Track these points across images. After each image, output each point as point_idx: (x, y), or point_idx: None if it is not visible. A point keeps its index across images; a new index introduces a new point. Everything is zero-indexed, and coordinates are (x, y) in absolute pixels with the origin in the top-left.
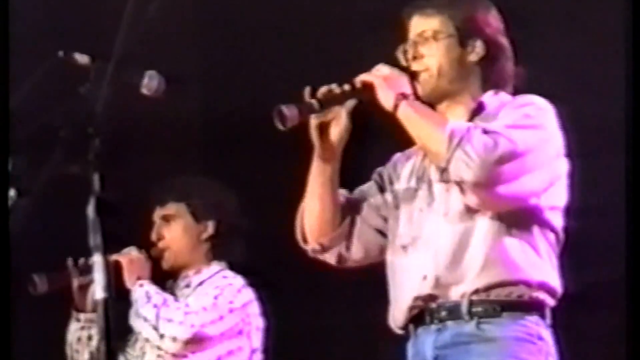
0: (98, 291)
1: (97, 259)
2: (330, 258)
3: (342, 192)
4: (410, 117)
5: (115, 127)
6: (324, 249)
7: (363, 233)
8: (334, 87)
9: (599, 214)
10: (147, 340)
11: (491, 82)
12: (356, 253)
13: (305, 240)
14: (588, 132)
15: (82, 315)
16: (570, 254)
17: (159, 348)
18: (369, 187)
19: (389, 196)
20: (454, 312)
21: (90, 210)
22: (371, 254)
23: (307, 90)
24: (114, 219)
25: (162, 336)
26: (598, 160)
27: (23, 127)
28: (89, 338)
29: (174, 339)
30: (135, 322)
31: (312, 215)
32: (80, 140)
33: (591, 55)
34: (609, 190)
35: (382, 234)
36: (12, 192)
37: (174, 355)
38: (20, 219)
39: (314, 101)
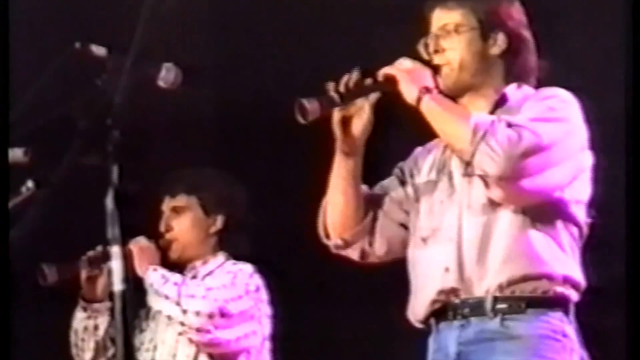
0: (116, 283)
1: (115, 251)
2: (353, 254)
3: (364, 188)
4: (434, 111)
5: (133, 118)
6: (347, 244)
7: (386, 227)
8: (356, 80)
9: (602, 212)
10: (169, 318)
11: (514, 75)
12: (379, 248)
13: (327, 236)
14: (599, 125)
15: (89, 305)
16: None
17: (182, 324)
18: (390, 181)
19: (410, 189)
20: (477, 308)
21: (109, 201)
22: (394, 248)
23: (330, 85)
24: (132, 210)
25: (185, 311)
26: (602, 157)
27: (40, 119)
28: (96, 327)
29: (198, 313)
30: (155, 302)
31: (335, 210)
32: (99, 132)
33: (605, 48)
34: (613, 188)
35: (405, 227)
36: (30, 184)
37: (197, 330)
38: (38, 210)
39: (335, 95)
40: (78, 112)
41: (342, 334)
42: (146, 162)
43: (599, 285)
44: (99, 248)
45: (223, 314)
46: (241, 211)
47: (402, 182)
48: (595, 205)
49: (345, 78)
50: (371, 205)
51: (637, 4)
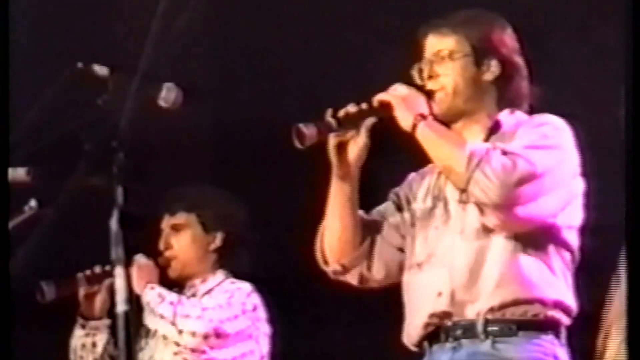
0: (120, 304)
1: (119, 272)
2: (352, 279)
3: (360, 213)
4: (429, 138)
5: (135, 139)
6: (345, 269)
7: (384, 252)
8: (352, 107)
9: (600, 234)
10: (164, 337)
11: (507, 101)
12: (378, 272)
13: (325, 262)
14: (591, 151)
15: (87, 322)
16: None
17: (177, 344)
18: (387, 207)
19: (406, 215)
20: (469, 330)
21: (113, 223)
22: (392, 272)
23: (329, 112)
24: (133, 229)
25: (180, 332)
26: (601, 179)
27: (43, 138)
28: (94, 345)
29: (193, 334)
30: (151, 322)
31: (333, 235)
32: (104, 154)
33: (597, 74)
34: (610, 209)
35: (403, 251)
36: (32, 203)
37: (192, 350)
38: (42, 229)
39: (332, 120)
40: (84, 134)
41: (339, 353)
42: (147, 182)
43: (595, 310)
44: (97, 268)
45: (218, 335)
46: (240, 229)
47: (399, 207)
48: (591, 230)
49: (342, 110)
50: (369, 230)
51: (634, 28)
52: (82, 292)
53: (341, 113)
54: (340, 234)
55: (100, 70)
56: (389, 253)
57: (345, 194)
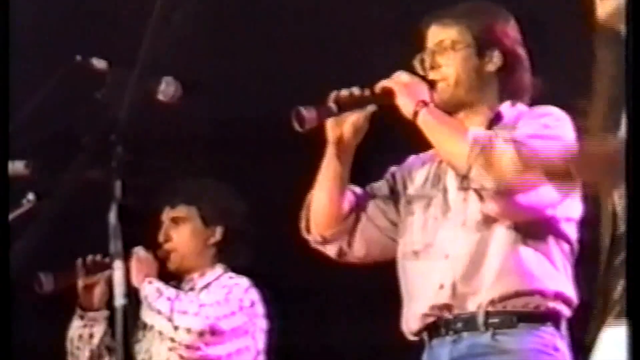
0: (118, 298)
1: (117, 266)
2: (330, 250)
3: (353, 188)
4: (431, 124)
5: (134, 133)
6: (325, 241)
7: (367, 231)
8: (354, 91)
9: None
10: (160, 333)
11: (508, 92)
12: (358, 250)
13: (308, 230)
14: None
15: (85, 314)
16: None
17: (172, 340)
18: (380, 186)
19: (402, 199)
20: (470, 323)
21: (112, 216)
22: (373, 252)
23: (332, 95)
24: (132, 221)
25: (176, 328)
26: None
27: (41, 131)
28: (91, 336)
29: (189, 330)
30: (148, 316)
31: (318, 207)
32: (103, 148)
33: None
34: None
35: (387, 235)
36: (31, 196)
37: (187, 347)
38: (40, 222)
39: (333, 105)
40: (82, 127)
41: (338, 348)
42: (145, 176)
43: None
44: (97, 257)
45: (214, 332)
46: (240, 223)
47: (392, 190)
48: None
49: (343, 90)
50: (356, 206)
51: (635, 19)
52: (80, 283)
53: (344, 93)
54: (326, 207)
55: (99, 63)
56: (372, 233)
57: (337, 171)
